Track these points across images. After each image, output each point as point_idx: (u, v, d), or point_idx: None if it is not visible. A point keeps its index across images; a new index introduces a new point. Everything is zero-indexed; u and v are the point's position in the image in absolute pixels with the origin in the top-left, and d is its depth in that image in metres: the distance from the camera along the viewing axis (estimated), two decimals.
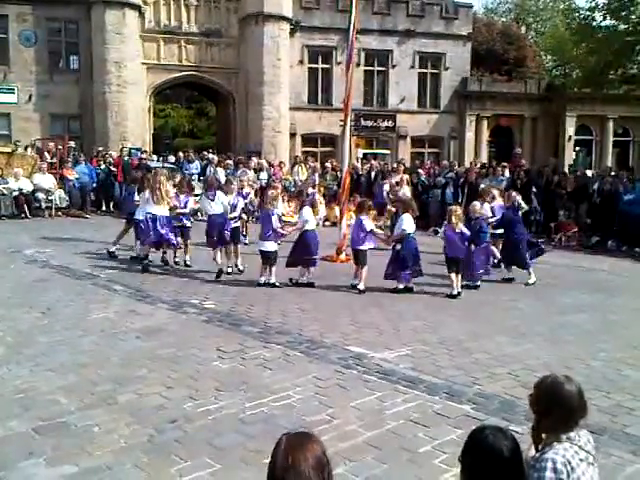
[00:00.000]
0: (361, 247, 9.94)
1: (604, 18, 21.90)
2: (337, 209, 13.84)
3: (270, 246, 9.93)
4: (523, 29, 48.41)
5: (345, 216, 12.73)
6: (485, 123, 31.12)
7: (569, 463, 2.63)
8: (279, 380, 5.86)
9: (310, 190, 16.03)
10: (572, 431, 2.79)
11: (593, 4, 21.58)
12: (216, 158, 20.42)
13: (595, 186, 16.41)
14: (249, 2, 26.97)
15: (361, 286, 9.74)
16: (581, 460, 2.70)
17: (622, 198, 15.46)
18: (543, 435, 2.84)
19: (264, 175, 19.35)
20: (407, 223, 9.85)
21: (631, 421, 5.13)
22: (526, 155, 29.20)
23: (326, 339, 7.18)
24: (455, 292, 9.64)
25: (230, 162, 19.58)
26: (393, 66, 30.33)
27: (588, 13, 21.91)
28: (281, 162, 22.22)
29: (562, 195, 16.58)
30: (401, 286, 9.83)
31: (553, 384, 2.85)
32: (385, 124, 30.28)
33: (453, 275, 9.68)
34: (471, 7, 32.35)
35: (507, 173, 17.65)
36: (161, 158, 21.86)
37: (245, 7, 27.22)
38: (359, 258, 9.97)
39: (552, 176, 17.56)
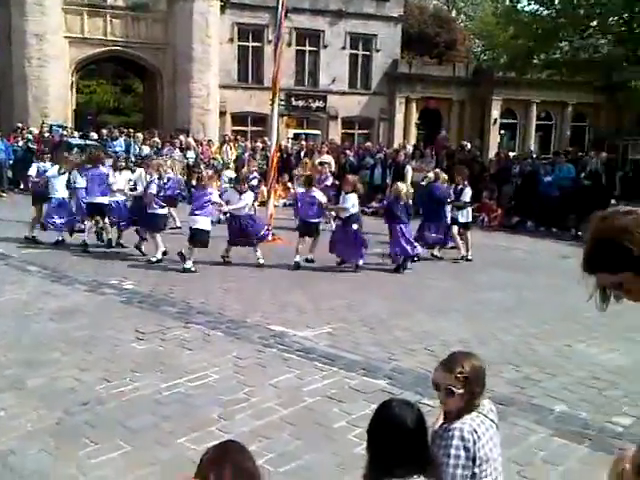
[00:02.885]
0: (315, 220, 10.33)
1: (528, 3, 22.47)
2: (265, 189, 13.76)
3: (203, 223, 9.58)
4: (454, 13, 49.20)
5: (272, 196, 12.68)
6: (414, 105, 31.52)
7: (475, 432, 2.69)
8: (198, 360, 5.81)
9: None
10: (478, 400, 2.86)
11: None
12: (141, 136, 19.91)
13: (517, 168, 16.91)
14: None
15: (311, 256, 10.23)
16: (487, 429, 2.77)
17: (542, 180, 15.99)
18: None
19: (191, 154, 19.01)
20: (353, 202, 10.06)
21: (537, 392, 5.35)
22: (453, 137, 29.80)
23: (248, 318, 7.16)
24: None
25: (157, 140, 19.13)
26: (324, 46, 30.27)
27: None
28: (210, 141, 21.88)
29: (485, 177, 17.02)
30: (361, 262, 10.13)
31: (477, 363, 2.87)
32: (316, 104, 30.25)
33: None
34: None
35: (434, 155, 17.97)
36: (83, 135, 21.13)
37: None
38: (312, 231, 10.27)
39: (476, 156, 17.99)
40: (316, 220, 10.42)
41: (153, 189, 10.12)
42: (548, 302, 8.59)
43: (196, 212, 9.60)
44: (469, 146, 19.91)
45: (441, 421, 3.03)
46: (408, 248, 10.16)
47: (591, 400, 5.19)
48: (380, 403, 2.76)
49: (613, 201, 15.56)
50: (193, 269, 9.47)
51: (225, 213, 10.40)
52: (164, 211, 10.44)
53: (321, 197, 10.38)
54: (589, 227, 1.99)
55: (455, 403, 2.77)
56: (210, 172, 10.50)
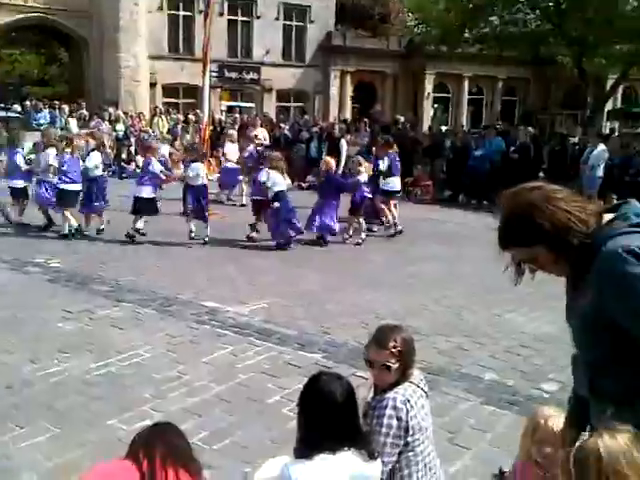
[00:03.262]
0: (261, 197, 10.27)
1: None
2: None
3: (146, 192, 9.75)
4: None
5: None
6: (349, 78, 31.47)
7: (408, 401, 2.72)
8: (128, 339, 5.68)
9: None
10: (411, 370, 2.89)
11: None
12: (67, 108, 19.16)
13: (448, 142, 17.16)
14: None
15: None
16: (418, 398, 2.80)
17: (472, 154, 16.28)
18: None
19: (121, 127, 18.45)
20: (277, 180, 9.89)
21: (466, 362, 5.49)
22: (388, 111, 29.97)
23: (180, 295, 7.05)
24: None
25: (84, 112, 18.45)
26: (257, 17, 29.74)
27: None
28: (140, 113, 21.27)
29: (418, 150, 17.20)
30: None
31: (406, 335, 2.88)
32: (250, 76, 29.77)
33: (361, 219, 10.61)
34: None
35: (369, 129, 18.04)
36: (5, 107, 20.17)
37: None
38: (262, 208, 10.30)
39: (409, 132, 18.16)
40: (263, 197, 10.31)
41: (51, 160, 9.97)
42: (478, 274, 8.78)
43: (139, 181, 9.87)
44: (402, 120, 20.10)
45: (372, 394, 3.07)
46: (331, 224, 10.32)
47: (519, 368, 5.36)
48: (310, 377, 2.76)
49: (541, 174, 16.05)
50: (138, 235, 9.65)
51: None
52: (75, 187, 10.00)
53: (262, 176, 10.19)
54: (500, 205, 2.04)
55: (390, 377, 2.80)
56: (152, 142, 10.32)
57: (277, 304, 6.92)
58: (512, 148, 16.00)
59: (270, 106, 29.55)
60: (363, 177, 10.78)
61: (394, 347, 2.78)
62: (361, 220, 10.79)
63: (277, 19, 30.11)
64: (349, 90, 31.64)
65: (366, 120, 19.07)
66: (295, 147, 18.44)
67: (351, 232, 10.73)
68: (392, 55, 32.19)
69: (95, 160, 10.26)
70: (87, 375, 4.94)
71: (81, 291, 7.09)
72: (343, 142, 15.65)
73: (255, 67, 29.89)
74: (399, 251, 10.15)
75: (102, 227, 10.23)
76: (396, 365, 2.75)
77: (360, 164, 10.88)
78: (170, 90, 28.64)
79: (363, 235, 10.64)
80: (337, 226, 10.47)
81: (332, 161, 11.10)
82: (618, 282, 1.88)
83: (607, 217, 2.02)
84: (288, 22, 30.62)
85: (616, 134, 18.34)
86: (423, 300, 7.35)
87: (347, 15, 32.86)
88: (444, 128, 21.73)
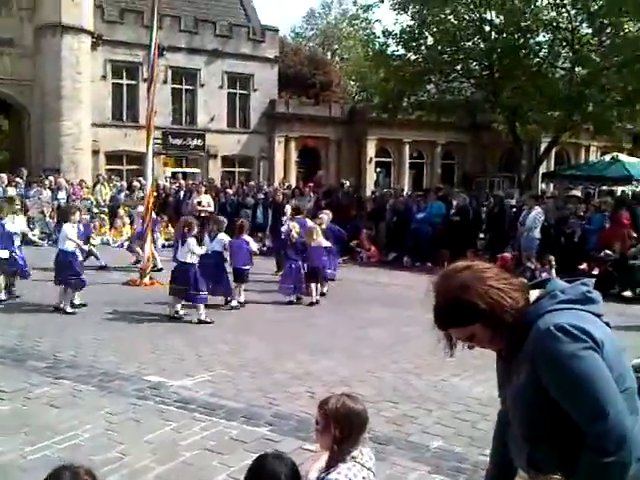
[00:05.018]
0: (247, 267, 10.56)
1: (397, 48, 23.59)
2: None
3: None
4: (329, 55, 50.91)
5: (149, 237, 12.32)
6: (293, 144, 32.07)
7: None
8: (66, 419, 5.44)
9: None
10: (356, 449, 2.86)
11: (387, 33, 23.14)
12: (5, 176, 18.79)
13: (390, 205, 17.54)
14: (45, 12, 25.39)
15: (242, 298, 10.42)
16: (363, 478, 2.75)
17: (415, 217, 16.66)
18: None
19: (62, 194, 18.18)
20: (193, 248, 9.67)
21: (414, 429, 5.46)
22: (332, 175, 30.57)
23: (122, 370, 6.83)
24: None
25: (19, 180, 18.09)
26: (202, 85, 30.22)
27: (384, 41, 23.47)
28: (82, 181, 21.05)
29: (362, 214, 17.50)
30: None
31: (345, 406, 2.87)
32: (195, 143, 30.02)
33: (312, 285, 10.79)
34: (277, 31, 33.33)
35: (312, 194, 18.29)
36: None
37: (41, 17, 25.58)
38: (244, 276, 10.47)
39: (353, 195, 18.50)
40: (247, 267, 10.58)
41: None
42: (425, 337, 8.82)
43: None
44: (347, 184, 20.49)
45: (314, 473, 3.02)
46: (298, 285, 10.73)
47: (466, 434, 5.36)
48: (255, 458, 2.73)
49: (481, 235, 16.51)
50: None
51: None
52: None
53: (253, 244, 10.70)
54: (434, 289, 2.10)
55: (324, 442, 2.80)
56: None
57: (223, 375, 6.78)
58: (452, 211, 16.47)
59: (215, 172, 29.73)
60: (325, 242, 11.20)
61: (324, 410, 2.78)
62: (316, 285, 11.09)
63: (221, 87, 30.66)
64: (293, 155, 32.20)
65: (311, 185, 19.35)
66: (241, 212, 18.49)
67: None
68: (335, 121, 33.09)
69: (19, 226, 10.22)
70: (22, 459, 4.69)
71: (17, 369, 6.80)
72: (288, 207, 15.77)
73: (200, 134, 30.19)
74: (346, 315, 10.16)
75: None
76: (323, 430, 2.74)
77: (317, 232, 11.09)
78: (113, 157, 28.58)
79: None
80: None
81: (297, 225, 11.33)
82: (551, 360, 1.93)
83: (534, 294, 2.10)
84: (232, 90, 31.21)
85: (549, 195, 19.08)
86: (371, 366, 7.32)
87: (290, 83, 33.80)
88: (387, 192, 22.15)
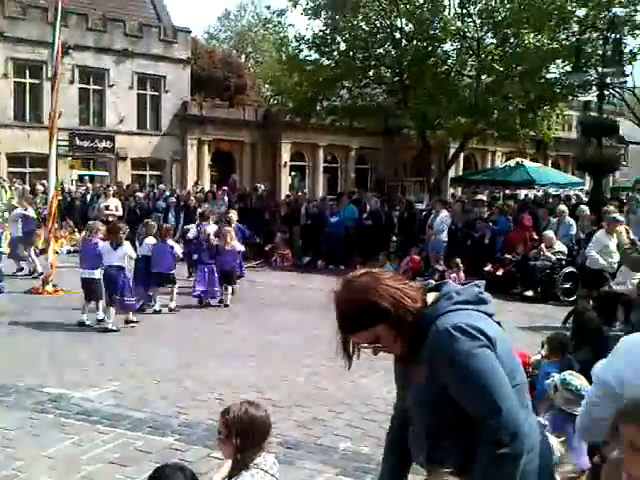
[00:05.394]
0: (172, 271, 10.41)
1: (309, 53, 23.72)
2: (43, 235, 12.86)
3: None
4: (243, 58, 50.61)
5: (52, 243, 11.83)
6: (206, 147, 31.65)
7: None
8: None
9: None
10: (259, 456, 2.85)
11: (299, 38, 23.25)
12: None
13: (304, 209, 17.62)
14: None
15: (172, 305, 10.27)
16: None
17: (328, 220, 16.81)
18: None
19: None
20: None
21: (324, 432, 5.48)
22: (247, 179, 30.39)
23: (20, 382, 6.50)
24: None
25: None
26: (110, 85, 29.35)
27: (297, 45, 23.54)
28: None
29: (276, 218, 17.49)
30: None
31: (246, 413, 2.87)
32: (103, 145, 29.07)
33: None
34: (189, 32, 32.83)
35: (226, 198, 18.10)
36: None
37: None
38: (169, 279, 10.36)
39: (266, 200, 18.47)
40: (172, 271, 10.45)
41: None
42: (336, 340, 8.92)
43: None
44: (262, 188, 20.43)
45: (219, 475, 3.01)
46: (213, 289, 10.84)
47: (374, 434, 5.42)
48: (154, 469, 2.67)
49: (394, 238, 16.82)
50: None
51: None
52: None
53: (177, 249, 10.58)
54: (335, 297, 2.13)
55: (227, 451, 2.80)
56: None
57: (129, 385, 6.58)
58: (365, 214, 16.73)
59: (125, 175, 28.91)
60: (239, 246, 11.37)
61: (225, 419, 2.78)
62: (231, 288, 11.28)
63: (131, 88, 29.88)
64: (207, 158, 31.78)
65: (224, 188, 19.15)
66: (151, 216, 18.06)
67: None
68: (249, 124, 32.92)
69: None
70: None
71: None
72: (200, 211, 15.52)
73: (109, 135, 29.28)
74: (259, 320, 10.10)
75: None
76: (224, 437, 2.75)
77: (232, 236, 11.15)
78: (15, 159, 27.26)
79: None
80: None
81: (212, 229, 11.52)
82: (450, 358, 2.01)
83: (431, 296, 2.17)
84: (142, 91, 30.47)
85: (457, 199, 19.70)
86: (282, 370, 7.31)
87: (203, 85, 33.34)
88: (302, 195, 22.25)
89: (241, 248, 11.51)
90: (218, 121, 31.62)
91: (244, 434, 2.79)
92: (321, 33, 22.65)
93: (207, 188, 21.66)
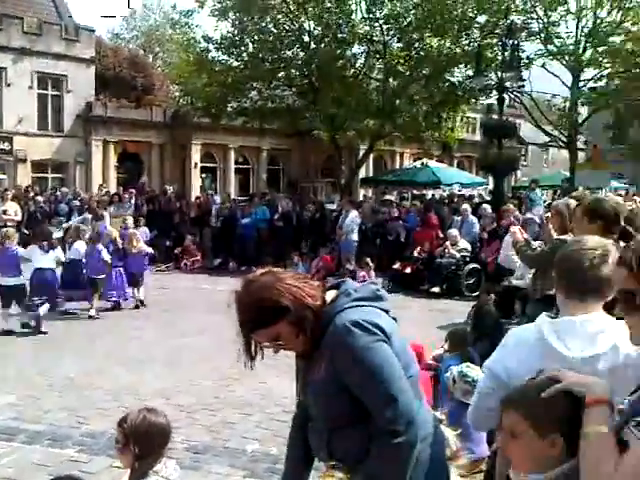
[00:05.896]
0: (101, 276, 10.43)
1: (217, 54, 23.48)
2: None
3: None
4: (151, 57, 49.44)
5: None
6: (112, 148, 30.68)
7: None
8: None
9: None
10: (160, 463, 2.81)
11: (207, 39, 22.99)
12: None
13: (215, 210, 17.44)
14: None
15: (93, 312, 10.14)
16: None
17: (240, 222, 16.70)
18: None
19: None
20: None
21: (232, 435, 5.43)
22: (156, 181, 29.70)
23: None
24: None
25: None
26: (8, 85, 27.92)
27: (205, 45, 23.26)
28: None
29: (186, 220, 17.21)
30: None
31: (144, 421, 2.84)
32: (1, 147, 27.64)
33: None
34: (93, 31, 31.73)
35: (133, 200, 17.65)
36: None
37: None
38: (98, 285, 10.38)
39: (175, 202, 18.15)
40: (102, 276, 10.48)
41: None
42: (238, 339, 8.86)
43: None
44: (171, 190, 20.05)
45: None
46: (122, 292, 10.91)
47: (282, 434, 5.40)
48: None
49: (306, 238, 16.88)
50: None
51: None
52: None
53: (105, 254, 10.46)
54: (236, 297, 2.14)
55: (126, 460, 2.76)
56: None
57: (27, 397, 6.28)
58: (276, 215, 16.74)
59: (25, 177, 27.57)
60: (146, 248, 11.50)
61: (122, 427, 2.74)
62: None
63: (31, 87, 28.54)
64: (113, 160, 30.81)
65: (132, 191, 18.64)
66: (53, 221, 17.34)
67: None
68: (157, 125, 32.18)
69: None
70: None
71: None
72: (106, 214, 15.08)
73: (7, 137, 27.83)
74: (168, 324, 9.90)
75: None
76: (124, 447, 2.70)
77: (137, 239, 11.32)
78: None
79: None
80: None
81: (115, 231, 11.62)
82: (348, 352, 2.05)
83: (330, 294, 2.22)
84: (43, 91, 29.19)
85: (367, 199, 20.07)
86: (191, 374, 7.19)
87: (109, 85, 32.34)
88: (216, 197, 21.98)
89: (148, 250, 11.42)
90: (125, 122, 30.71)
91: (142, 441, 2.75)
92: (229, 35, 22.49)
93: (114, 191, 21.06)
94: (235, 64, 23.25)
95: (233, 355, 7.13)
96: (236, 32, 22.40)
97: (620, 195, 16.03)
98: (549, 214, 5.64)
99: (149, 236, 13.33)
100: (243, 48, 22.97)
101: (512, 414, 1.72)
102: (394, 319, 2.25)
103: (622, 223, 3.59)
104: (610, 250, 2.18)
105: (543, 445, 1.66)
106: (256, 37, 22.21)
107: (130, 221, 12.24)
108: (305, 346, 2.20)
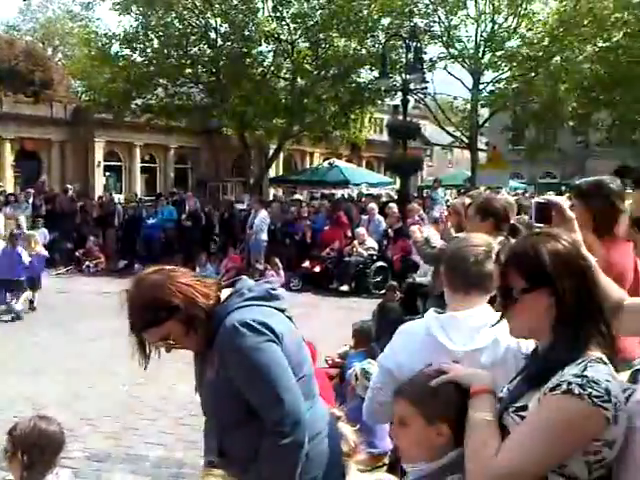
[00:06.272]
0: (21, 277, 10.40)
1: (121, 48, 22.77)
2: None
3: None
4: (50, 51, 47.33)
5: None
6: (8, 146, 29.16)
7: None
8: None
9: None
10: (51, 473, 2.75)
11: (109, 34, 22.29)
12: None
13: (120, 210, 16.95)
14: None
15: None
16: None
17: (146, 222, 16.29)
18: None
19: None
20: None
21: (135, 441, 5.29)
22: (56, 180, 28.49)
23: None
24: None
25: None
26: None
27: (106, 40, 22.49)
28: None
29: (88, 221, 16.62)
30: None
31: (34, 429, 2.77)
32: None
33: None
34: None
35: (31, 200, 16.85)
36: None
37: None
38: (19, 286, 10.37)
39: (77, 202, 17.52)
40: (21, 278, 10.47)
41: None
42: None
43: None
44: (72, 189, 19.28)
45: None
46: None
47: (187, 438, 5.32)
48: None
49: (215, 238, 16.69)
50: None
51: None
52: None
53: (25, 256, 10.42)
54: (127, 296, 2.09)
55: (14, 470, 2.69)
56: None
57: None
58: (184, 215, 16.44)
59: None
60: (44, 251, 11.49)
61: (11, 437, 2.70)
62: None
63: None
64: (9, 159, 29.29)
65: (29, 190, 17.77)
66: None
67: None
68: (57, 122, 30.84)
69: None
70: None
71: None
72: (1, 216, 14.34)
73: None
74: (69, 330, 9.51)
75: None
76: (12, 457, 2.65)
77: (35, 241, 11.20)
78: None
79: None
80: None
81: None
82: (236, 353, 2.05)
83: (225, 292, 2.21)
84: None
85: (276, 199, 20.07)
86: (93, 381, 6.96)
87: (3, 79, 30.75)
88: (119, 197, 21.37)
89: (45, 253, 11.06)
90: (21, 118, 29.24)
91: (30, 450, 2.69)
92: (133, 30, 21.88)
93: (10, 190, 20.04)
94: (139, 60, 22.66)
95: (136, 360, 6.93)
96: (140, 27, 21.82)
97: (517, 195, 16.83)
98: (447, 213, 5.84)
99: (48, 238, 12.75)
100: (147, 44, 22.43)
101: (402, 402, 1.78)
102: (289, 318, 2.25)
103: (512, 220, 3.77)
104: (494, 247, 2.27)
105: (431, 432, 1.72)
106: (161, 33, 21.73)
107: (23, 222, 11.72)
108: (198, 345, 2.19)
